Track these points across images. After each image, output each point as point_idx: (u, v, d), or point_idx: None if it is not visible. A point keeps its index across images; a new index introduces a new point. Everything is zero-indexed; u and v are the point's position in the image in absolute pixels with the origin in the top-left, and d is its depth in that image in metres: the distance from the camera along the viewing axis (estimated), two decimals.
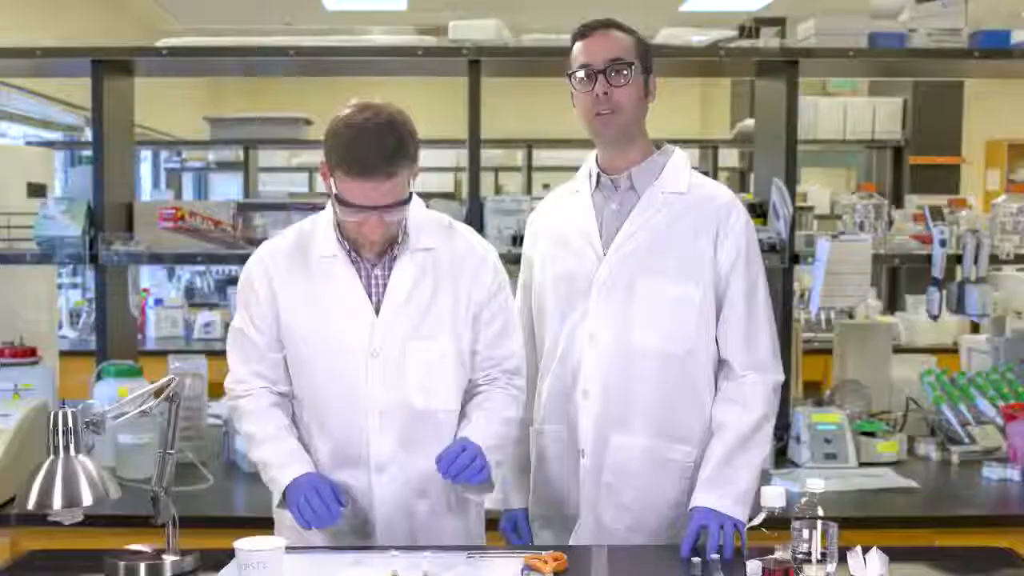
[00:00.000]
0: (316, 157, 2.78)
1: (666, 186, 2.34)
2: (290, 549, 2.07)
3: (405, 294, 2.22)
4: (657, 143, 2.42)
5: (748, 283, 2.32)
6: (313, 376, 2.25)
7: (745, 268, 2.31)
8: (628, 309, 2.30)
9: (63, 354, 4.48)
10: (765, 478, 2.98)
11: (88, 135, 5.27)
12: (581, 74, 2.30)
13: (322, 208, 2.35)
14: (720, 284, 2.31)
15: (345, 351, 2.21)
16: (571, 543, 2.34)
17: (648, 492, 2.31)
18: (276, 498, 2.21)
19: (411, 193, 2.17)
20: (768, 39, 3.64)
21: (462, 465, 2.12)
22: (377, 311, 2.22)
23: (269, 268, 2.28)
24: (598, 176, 2.39)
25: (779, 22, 4.25)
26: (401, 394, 2.22)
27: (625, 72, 2.28)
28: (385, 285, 2.23)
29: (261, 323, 2.27)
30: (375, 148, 2.05)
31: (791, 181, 3.37)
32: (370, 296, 2.23)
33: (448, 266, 2.27)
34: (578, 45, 2.34)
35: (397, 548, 2.21)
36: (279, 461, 2.20)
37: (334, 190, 2.12)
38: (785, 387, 3.42)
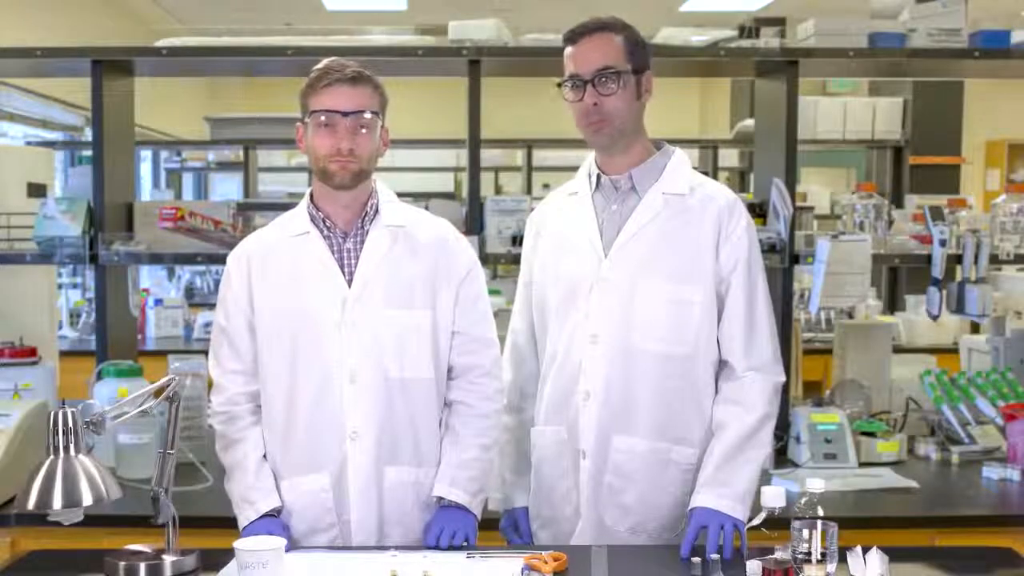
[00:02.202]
0: None
1: (667, 187, 2.33)
2: (290, 549, 2.07)
3: (377, 261, 2.27)
4: (657, 143, 2.41)
5: (749, 285, 2.31)
6: (289, 349, 2.27)
7: (746, 270, 2.31)
8: (629, 310, 2.29)
9: (63, 354, 4.48)
10: (765, 478, 2.98)
11: (88, 135, 5.27)
12: (571, 84, 2.29)
13: None
14: (721, 286, 2.31)
15: (319, 322, 2.25)
16: (573, 544, 2.34)
17: (650, 493, 2.31)
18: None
19: (380, 117, 2.26)
20: (768, 39, 3.64)
21: (445, 543, 2.23)
22: (350, 283, 2.26)
23: (247, 254, 2.34)
24: (598, 177, 2.39)
25: (779, 22, 4.25)
26: (375, 361, 2.25)
27: (614, 82, 2.27)
28: (358, 258, 2.28)
29: (234, 308, 2.32)
30: (343, 64, 2.25)
31: (791, 181, 3.37)
32: (342, 268, 2.27)
33: (423, 241, 2.32)
34: (568, 51, 2.32)
35: (397, 548, 2.22)
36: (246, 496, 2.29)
37: (309, 129, 2.23)
38: (785, 387, 3.43)
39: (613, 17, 2.34)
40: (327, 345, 2.25)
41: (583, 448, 2.32)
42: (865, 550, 1.97)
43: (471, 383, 2.35)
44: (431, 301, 2.29)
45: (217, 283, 7.01)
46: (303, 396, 2.26)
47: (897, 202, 5.95)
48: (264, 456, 2.31)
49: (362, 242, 2.29)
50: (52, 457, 1.96)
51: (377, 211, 2.31)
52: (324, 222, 2.30)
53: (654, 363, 2.28)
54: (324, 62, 2.27)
